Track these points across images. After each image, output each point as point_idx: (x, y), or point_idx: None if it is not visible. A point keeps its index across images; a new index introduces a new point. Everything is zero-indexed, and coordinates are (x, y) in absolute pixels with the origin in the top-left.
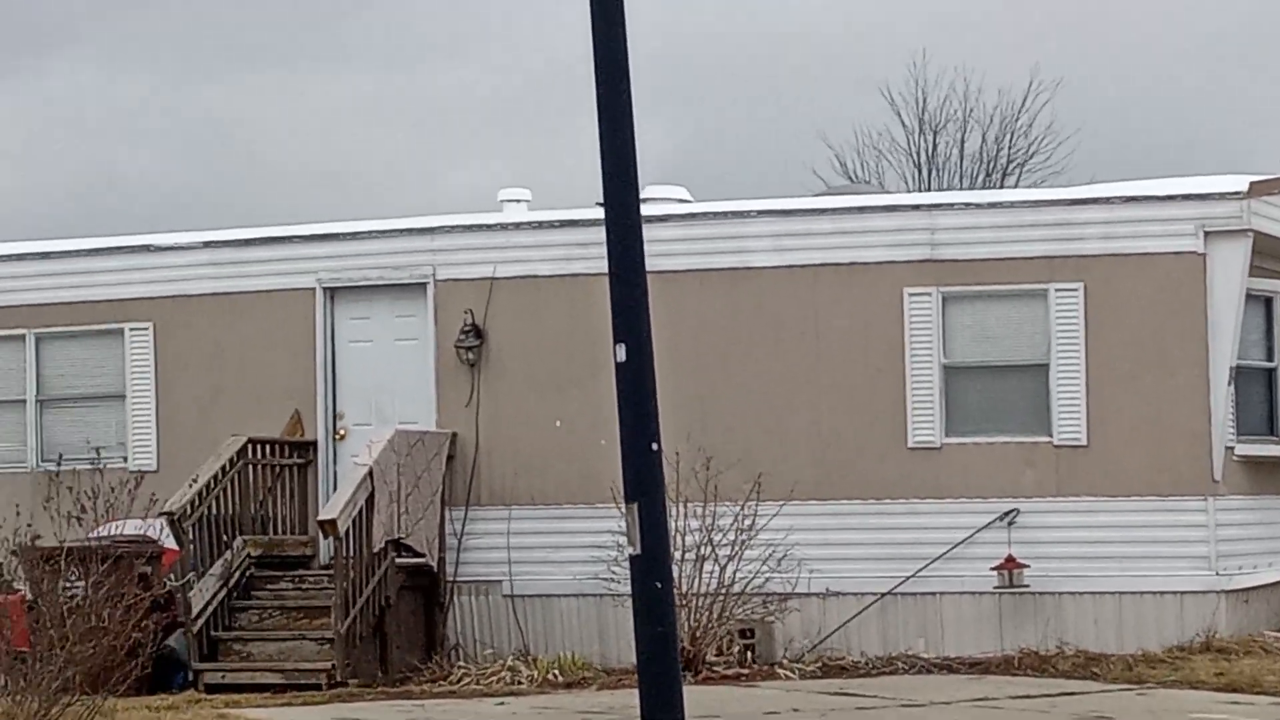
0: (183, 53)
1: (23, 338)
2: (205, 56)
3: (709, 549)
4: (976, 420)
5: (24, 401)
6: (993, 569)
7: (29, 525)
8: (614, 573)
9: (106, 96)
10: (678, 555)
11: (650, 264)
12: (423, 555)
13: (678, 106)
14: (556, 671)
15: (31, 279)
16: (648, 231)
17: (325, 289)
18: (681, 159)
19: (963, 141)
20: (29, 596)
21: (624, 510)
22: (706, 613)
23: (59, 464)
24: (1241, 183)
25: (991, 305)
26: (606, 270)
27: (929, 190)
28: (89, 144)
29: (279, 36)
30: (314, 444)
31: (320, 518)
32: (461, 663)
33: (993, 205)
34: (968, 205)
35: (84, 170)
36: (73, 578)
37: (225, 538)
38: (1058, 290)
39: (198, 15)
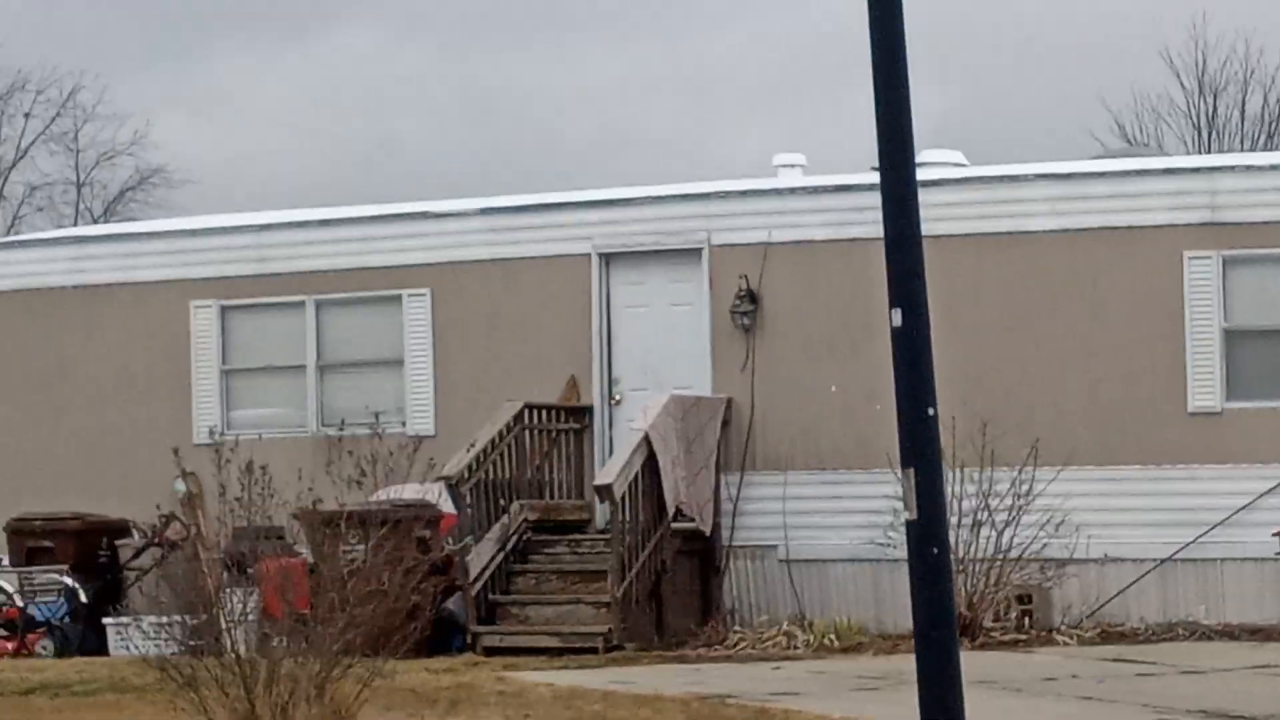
0: (464, 21)
1: (303, 304)
2: (486, 25)
3: (986, 514)
4: (1258, 385)
5: (304, 367)
6: (1275, 534)
7: (310, 489)
8: (890, 538)
9: (388, 64)
10: (954, 520)
11: (926, 228)
12: (694, 520)
13: (954, 70)
14: (832, 636)
15: (312, 246)
16: (923, 196)
17: (601, 255)
18: (957, 122)
19: (1244, 103)
20: (310, 560)
21: (900, 475)
22: (983, 578)
23: (340, 429)
24: None
25: (1274, 268)
26: (882, 235)
27: (1209, 153)
28: (370, 111)
29: (558, 5)
30: (590, 409)
31: (596, 482)
32: (737, 627)
33: (1274, 167)
34: (1249, 168)
35: (364, 137)
36: (353, 541)
37: (502, 502)
38: None
39: None
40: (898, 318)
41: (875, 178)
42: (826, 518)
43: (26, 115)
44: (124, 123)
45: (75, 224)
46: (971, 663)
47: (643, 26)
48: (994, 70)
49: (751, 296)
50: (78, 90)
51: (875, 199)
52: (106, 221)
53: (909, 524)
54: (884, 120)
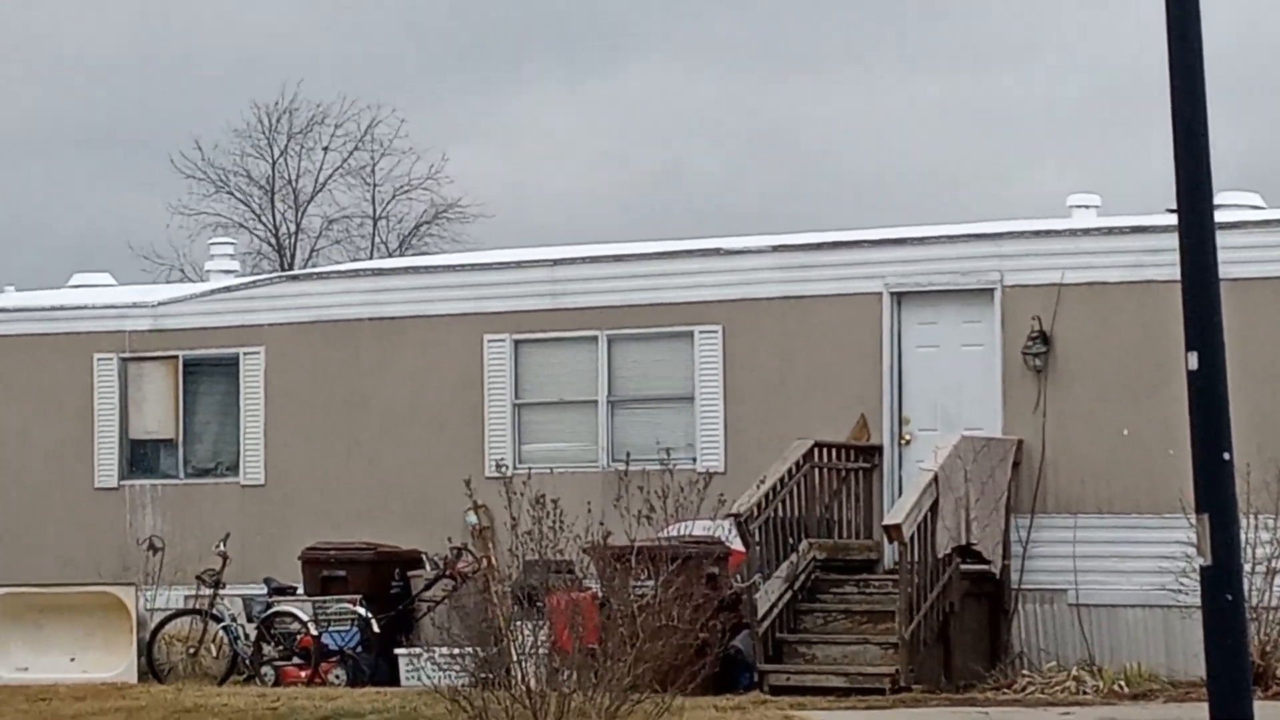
0: (754, 55)
1: (595, 339)
2: (776, 59)
3: None
4: None
5: (595, 402)
6: None
7: (600, 524)
8: (1182, 584)
9: (678, 97)
10: (1248, 568)
11: (1223, 271)
12: (987, 562)
13: (1253, 109)
14: (1122, 682)
15: (605, 281)
16: (1221, 238)
17: (892, 294)
18: (1256, 164)
19: None
20: (600, 594)
21: (1194, 521)
22: (1277, 627)
23: (626, 463)
24: None
25: None
26: (1178, 277)
27: None
28: (659, 145)
29: (848, 40)
30: (879, 448)
31: (885, 522)
32: (1025, 671)
33: None
34: None
35: (653, 170)
36: (642, 576)
37: (790, 540)
38: None
39: (771, 17)
40: (1193, 361)
41: (1172, 219)
42: (1118, 562)
43: (325, 149)
44: (420, 157)
45: (371, 257)
46: (1265, 713)
47: (934, 61)
48: None
49: (1044, 338)
50: (375, 125)
51: (1171, 241)
52: (402, 255)
53: (1203, 570)
54: (1182, 162)
